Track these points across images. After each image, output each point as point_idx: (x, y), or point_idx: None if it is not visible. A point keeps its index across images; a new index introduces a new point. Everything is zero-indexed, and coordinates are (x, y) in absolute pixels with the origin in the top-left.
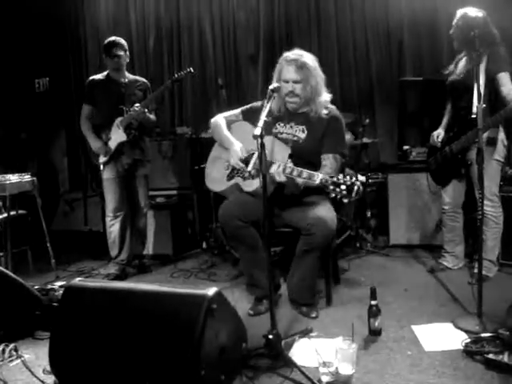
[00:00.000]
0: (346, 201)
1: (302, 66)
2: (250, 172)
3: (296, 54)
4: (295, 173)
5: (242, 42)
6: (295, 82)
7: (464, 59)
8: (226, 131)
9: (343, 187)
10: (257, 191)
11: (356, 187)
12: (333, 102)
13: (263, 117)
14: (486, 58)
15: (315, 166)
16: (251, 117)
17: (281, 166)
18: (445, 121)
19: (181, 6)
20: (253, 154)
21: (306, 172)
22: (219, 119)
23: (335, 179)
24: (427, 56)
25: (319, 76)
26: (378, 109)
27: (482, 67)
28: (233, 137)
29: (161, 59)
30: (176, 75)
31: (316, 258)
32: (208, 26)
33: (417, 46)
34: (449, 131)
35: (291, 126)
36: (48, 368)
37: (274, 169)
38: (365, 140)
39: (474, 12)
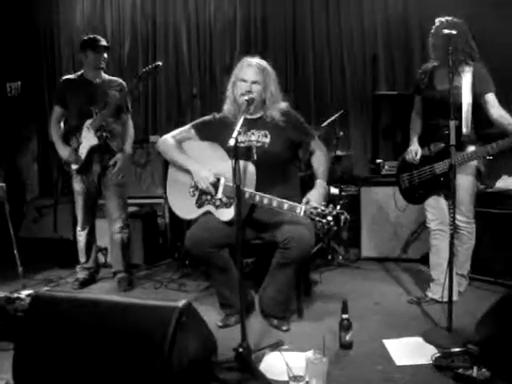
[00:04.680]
0: (333, 231)
1: (263, 70)
2: (220, 199)
3: (256, 59)
4: (275, 203)
5: (218, 53)
6: (253, 82)
7: (443, 72)
8: (181, 153)
9: (330, 218)
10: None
11: (343, 217)
12: (307, 114)
13: (238, 128)
14: (470, 75)
15: (282, 169)
16: (204, 131)
17: (264, 199)
18: (416, 137)
19: (157, 15)
20: (219, 179)
21: (287, 203)
22: (168, 140)
23: (319, 210)
24: (400, 70)
25: (277, 83)
26: (352, 122)
27: (468, 84)
28: (191, 158)
29: (135, 66)
30: (141, 71)
31: (292, 273)
32: (184, 36)
33: (390, 60)
34: (422, 148)
35: (253, 133)
36: (11, 381)
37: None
38: (338, 152)
39: (450, 25)
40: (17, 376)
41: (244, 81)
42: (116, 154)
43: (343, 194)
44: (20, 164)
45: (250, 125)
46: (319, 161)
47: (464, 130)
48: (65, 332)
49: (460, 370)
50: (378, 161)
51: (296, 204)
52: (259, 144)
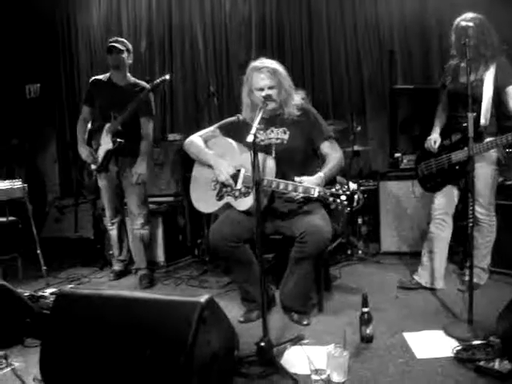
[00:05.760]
0: (347, 210)
1: (274, 73)
2: (239, 190)
3: (263, 61)
4: (290, 187)
5: (234, 51)
6: (270, 87)
7: (468, 66)
8: (206, 149)
9: (343, 197)
10: (252, 209)
11: (356, 196)
12: (325, 109)
13: (256, 124)
14: (493, 68)
15: (302, 165)
16: (228, 131)
17: (280, 184)
18: (439, 128)
19: (173, 14)
20: (239, 170)
21: (301, 186)
22: (195, 138)
23: (333, 190)
24: (418, 64)
25: (289, 79)
26: (369, 117)
27: (491, 77)
28: (214, 154)
29: (152, 67)
30: (153, 83)
31: (309, 266)
32: (200, 34)
33: (407, 54)
34: (444, 139)
35: (272, 131)
36: (38, 376)
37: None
38: (356, 147)
39: (466, 20)
40: (44, 371)
41: (260, 89)
42: (133, 158)
43: (362, 188)
44: (41, 165)
45: (268, 123)
46: (329, 159)
47: (482, 121)
48: (89, 328)
49: (482, 363)
50: (397, 155)
51: (310, 186)
52: (278, 141)
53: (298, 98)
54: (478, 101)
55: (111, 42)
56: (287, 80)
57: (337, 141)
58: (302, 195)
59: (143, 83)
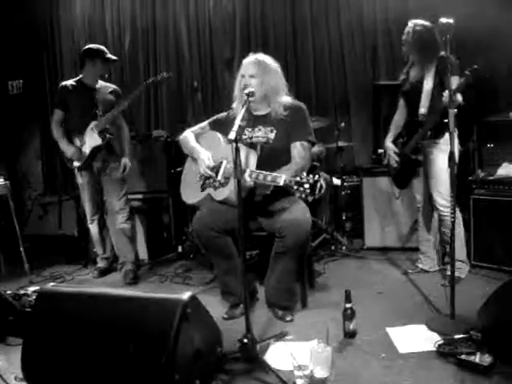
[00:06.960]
0: (310, 199)
1: (259, 63)
2: (219, 181)
3: (257, 54)
4: (261, 177)
5: (218, 46)
6: (251, 76)
7: (415, 66)
8: (194, 142)
9: (306, 186)
10: (228, 198)
11: (319, 184)
12: (309, 106)
13: (238, 121)
14: (435, 62)
15: (286, 164)
16: (218, 127)
17: (247, 172)
18: (394, 130)
19: (157, 10)
20: (221, 162)
21: (270, 175)
22: (187, 133)
23: (298, 179)
24: (401, 61)
25: (279, 78)
26: (353, 113)
27: (433, 70)
28: (201, 147)
29: (136, 62)
30: (151, 79)
31: (291, 261)
32: (184, 30)
33: (390, 51)
34: (403, 137)
35: (259, 129)
36: (20, 375)
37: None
38: (340, 144)
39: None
40: (26, 370)
41: (242, 76)
42: (116, 154)
43: (345, 184)
44: (24, 162)
45: (256, 121)
46: (291, 163)
47: (422, 110)
48: (71, 326)
49: (463, 356)
50: (380, 151)
51: (277, 174)
52: (264, 139)
53: (287, 98)
54: (418, 93)
55: (104, 52)
56: (275, 77)
57: (312, 145)
58: (271, 184)
59: (112, 85)
